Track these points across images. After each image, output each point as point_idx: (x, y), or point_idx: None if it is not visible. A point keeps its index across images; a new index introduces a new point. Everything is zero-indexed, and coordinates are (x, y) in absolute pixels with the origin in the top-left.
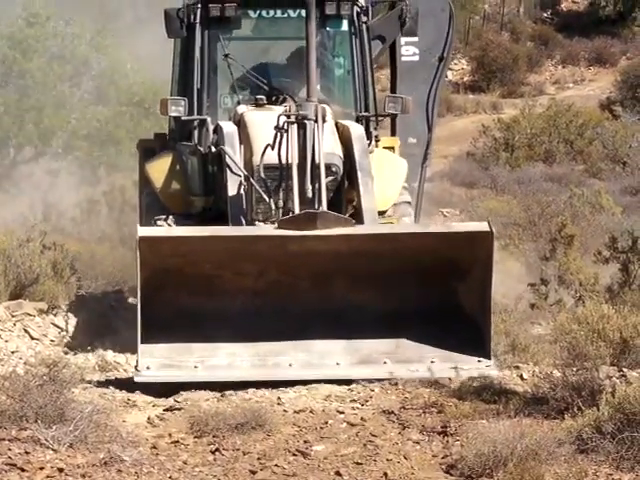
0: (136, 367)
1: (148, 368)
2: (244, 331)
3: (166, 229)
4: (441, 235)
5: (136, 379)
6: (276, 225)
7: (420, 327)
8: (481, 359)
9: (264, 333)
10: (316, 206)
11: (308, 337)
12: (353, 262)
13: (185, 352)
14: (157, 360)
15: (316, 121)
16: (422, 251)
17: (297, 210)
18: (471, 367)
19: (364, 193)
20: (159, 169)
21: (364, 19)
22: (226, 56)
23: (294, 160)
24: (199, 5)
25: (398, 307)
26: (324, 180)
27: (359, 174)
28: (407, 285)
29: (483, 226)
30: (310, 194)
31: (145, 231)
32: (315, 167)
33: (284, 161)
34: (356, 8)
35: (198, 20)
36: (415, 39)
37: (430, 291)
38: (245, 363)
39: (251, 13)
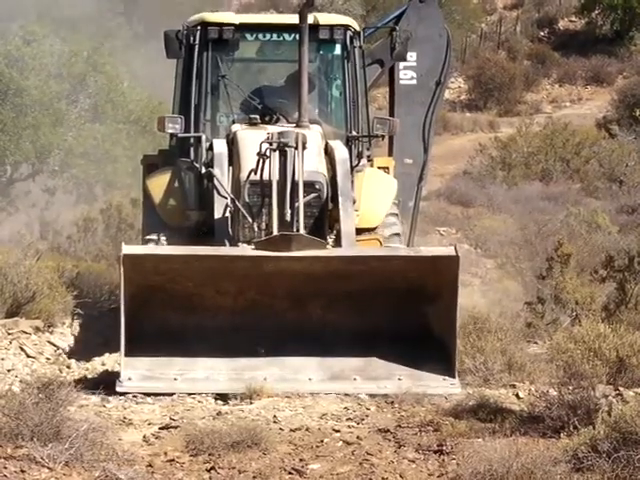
0: (118, 378)
1: (130, 379)
2: (222, 347)
3: (149, 247)
4: (409, 258)
5: (118, 389)
6: (253, 246)
7: (390, 346)
8: (446, 378)
9: (241, 349)
10: (294, 229)
11: (283, 354)
12: (326, 283)
13: (166, 365)
14: (139, 372)
15: (296, 148)
16: (392, 273)
17: (275, 232)
18: (437, 385)
19: (344, 217)
20: (158, 184)
21: (357, 43)
22: (223, 77)
23: (274, 185)
24: (198, 27)
25: (370, 327)
26: (302, 203)
27: (340, 198)
28: (378, 306)
29: (450, 250)
30: (289, 217)
31: (129, 249)
32: (295, 191)
33: (267, 186)
34: (349, 33)
35: (197, 42)
36: (414, 63)
37: (400, 312)
38: (222, 377)
39: (248, 36)
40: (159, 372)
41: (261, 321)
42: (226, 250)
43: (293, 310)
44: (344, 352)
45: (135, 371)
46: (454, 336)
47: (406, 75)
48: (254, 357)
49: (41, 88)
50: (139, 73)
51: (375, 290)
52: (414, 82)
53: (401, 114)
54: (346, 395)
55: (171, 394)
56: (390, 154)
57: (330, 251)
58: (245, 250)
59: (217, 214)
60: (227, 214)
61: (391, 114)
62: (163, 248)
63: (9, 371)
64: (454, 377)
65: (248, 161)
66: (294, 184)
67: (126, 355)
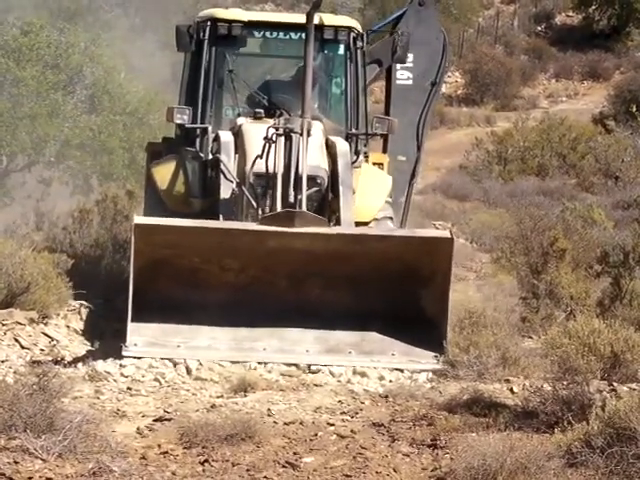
0: (125, 343)
1: (135, 345)
2: (225, 319)
3: (160, 218)
4: (406, 239)
5: (124, 354)
6: (258, 222)
7: (385, 323)
8: (437, 355)
9: (243, 322)
10: (296, 208)
11: (282, 327)
12: (327, 260)
13: (170, 333)
14: (144, 338)
15: (301, 135)
16: (388, 253)
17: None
18: (427, 361)
19: (344, 205)
20: (163, 171)
21: (359, 44)
22: (230, 72)
23: (279, 169)
24: (208, 23)
25: (366, 304)
26: (305, 188)
27: (341, 188)
28: (375, 285)
29: (445, 233)
30: (292, 199)
31: (141, 219)
32: (298, 176)
33: (271, 170)
34: (352, 34)
35: (207, 37)
36: (410, 64)
37: (395, 292)
38: (223, 346)
39: (256, 33)
40: (164, 339)
41: (262, 297)
42: (232, 224)
43: (293, 287)
44: (341, 327)
45: (141, 337)
46: (446, 316)
47: (403, 75)
48: (254, 328)
49: (38, 79)
50: (136, 65)
51: (372, 269)
52: (410, 82)
53: (397, 113)
54: (339, 378)
55: (175, 362)
56: (384, 151)
57: (331, 229)
58: (251, 225)
59: (223, 196)
60: (233, 197)
61: (387, 112)
62: (173, 220)
63: (3, 362)
64: (444, 354)
65: (252, 153)
66: (298, 173)
67: (132, 321)
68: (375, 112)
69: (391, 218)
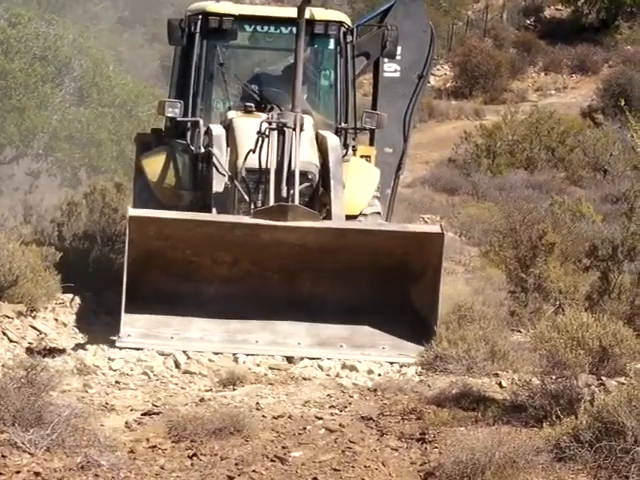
0: (118, 334)
1: (129, 336)
2: (217, 312)
3: (153, 211)
4: (397, 234)
5: (117, 344)
6: (251, 215)
7: (376, 317)
8: (425, 348)
9: (235, 314)
10: (289, 202)
11: (274, 319)
12: (319, 253)
13: (163, 325)
14: (137, 330)
15: (294, 129)
16: (380, 247)
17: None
18: (417, 355)
19: (334, 199)
20: (153, 164)
21: (349, 39)
22: (221, 65)
23: (272, 164)
24: (199, 16)
25: (358, 298)
26: (298, 182)
27: (332, 182)
28: (365, 279)
29: (435, 228)
30: (285, 194)
31: (135, 211)
32: (291, 171)
33: (264, 164)
34: (342, 29)
35: (198, 30)
36: (398, 57)
37: (386, 285)
38: (216, 338)
39: (247, 27)
40: (157, 331)
41: (254, 289)
42: (226, 217)
43: (285, 280)
44: (332, 321)
45: (134, 329)
46: (436, 310)
47: (390, 68)
48: (247, 321)
49: (26, 71)
50: (125, 57)
51: (363, 263)
52: (397, 75)
53: (384, 105)
54: (329, 373)
55: (167, 353)
56: (371, 144)
57: (323, 222)
58: (244, 218)
59: (215, 190)
60: (225, 190)
61: (374, 104)
62: (168, 212)
63: None
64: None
65: (244, 148)
66: (290, 168)
67: (126, 312)
68: (363, 105)
69: (378, 197)
